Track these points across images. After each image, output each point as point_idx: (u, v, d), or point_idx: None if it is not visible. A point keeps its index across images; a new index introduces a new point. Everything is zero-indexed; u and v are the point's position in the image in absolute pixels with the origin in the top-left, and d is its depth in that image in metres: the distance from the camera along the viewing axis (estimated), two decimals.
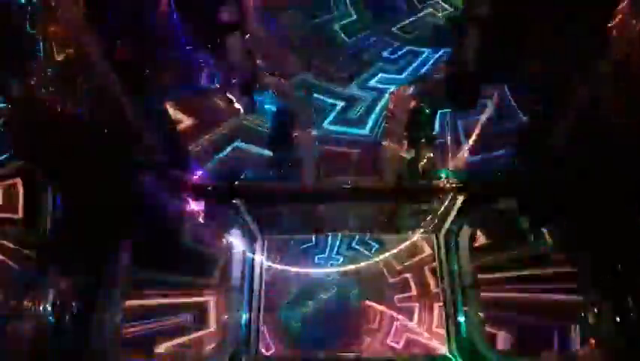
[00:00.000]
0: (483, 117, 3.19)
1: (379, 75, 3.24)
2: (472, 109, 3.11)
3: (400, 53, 3.22)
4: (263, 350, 3.27)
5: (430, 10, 2.96)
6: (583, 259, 3.30)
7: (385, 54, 3.24)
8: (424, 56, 3.13)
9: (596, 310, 3.16)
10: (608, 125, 2.92)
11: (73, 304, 3.16)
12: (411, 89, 3.00)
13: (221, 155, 3.38)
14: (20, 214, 2.88)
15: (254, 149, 3.35)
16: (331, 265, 3.80)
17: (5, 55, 2.63)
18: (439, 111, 3.23)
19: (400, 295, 3.60)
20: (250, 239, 3.65)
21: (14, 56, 2.65)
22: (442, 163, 3.47)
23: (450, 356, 3.19)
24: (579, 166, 3.27)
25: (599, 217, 3.29)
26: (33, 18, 2.51)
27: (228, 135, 3.29)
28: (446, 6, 2.88)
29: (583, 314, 3.16)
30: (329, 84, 3.21)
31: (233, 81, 2.98)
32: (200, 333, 3.27)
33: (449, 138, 3.35)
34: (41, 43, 2.60)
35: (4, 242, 2.80)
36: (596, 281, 3.22)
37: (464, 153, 3.42)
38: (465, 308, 3.30)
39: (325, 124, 3.30)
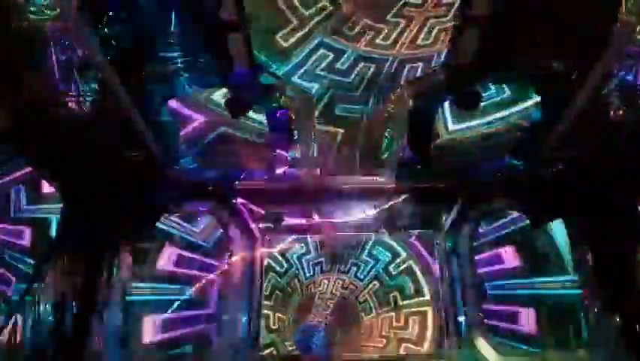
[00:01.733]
0: None
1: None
2: (474, 109, 3.10)
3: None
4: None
5: None
6: (583, 257, 3.30)
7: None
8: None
9: (596, 309, 3.16)
10: (607, 123, 2.92)
11: (74, 304, 3.16)
12: (411, 89, 2.99)
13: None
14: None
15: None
16: None
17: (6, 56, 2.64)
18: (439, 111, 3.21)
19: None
20: (250, 239, 3.65)
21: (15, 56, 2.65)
22: (442, 163, 3.47)
23: (450, 355, 3.18)
24: (578, 165, 3.27)
25: (600, 216, 3.29)
26: (33, 17, 2.51)
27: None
28: None
29: (583, 314, 3.16)
30: None
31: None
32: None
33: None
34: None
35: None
36: (597, 280, 3.21)
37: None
38: (465, 309, 3.28)
39: None
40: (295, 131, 3.25)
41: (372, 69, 2.98)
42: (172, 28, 2.68)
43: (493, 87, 3.09)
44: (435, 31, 2.78)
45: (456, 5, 2.61)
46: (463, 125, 3.34)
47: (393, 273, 3.67)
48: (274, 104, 3.12)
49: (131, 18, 2.62)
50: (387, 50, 2.89)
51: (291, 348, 3.27)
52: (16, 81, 2.73)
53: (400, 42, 2.84)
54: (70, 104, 2.97)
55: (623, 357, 3.05)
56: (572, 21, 2.60)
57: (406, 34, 2.82)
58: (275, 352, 3.24)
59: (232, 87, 3.01)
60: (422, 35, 2.85)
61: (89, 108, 3.03)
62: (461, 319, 3.29)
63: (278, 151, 3.39)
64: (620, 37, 2.53)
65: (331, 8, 2.67)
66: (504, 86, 3.11)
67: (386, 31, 2.79)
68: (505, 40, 2.69)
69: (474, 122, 3.30)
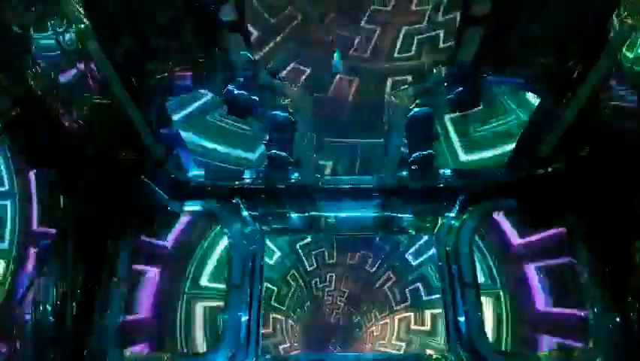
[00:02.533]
0: None
1: None
2: (473, 109, 3.11)
3: None
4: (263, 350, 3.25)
5: None
6: (583, 257, 3.31)
7: None
8: None
9: (595, 308, 3.16)
10: (608, 121, 2.93)
11: (74, 304, 3.16)
12: (411, 89, 2.99)
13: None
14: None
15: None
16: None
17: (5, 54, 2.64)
18: (439, 111, 3.22)
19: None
20: (250, 239, 3.64)
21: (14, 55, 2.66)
22: (442, 163, 3.47)
23: (450, 356, 3.18)
24: (578, 164, 3.28)
25: (600, 215, 3.29)
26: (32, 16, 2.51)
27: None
28: None
29: (583, 313, 3.16)
30: None
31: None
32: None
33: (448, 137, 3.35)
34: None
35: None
36: (596, 279, 3.22)
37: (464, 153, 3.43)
38: (465, 308, 3.28)
39: None
40: (295, 131, 3.25)
41: (353, 85, 2.86)
42: (172, 28, 2.69)
43: (513, 112, 3.02)
44: (415, 41, 2.63)
45: (428, 12, 2.52)
46: (476, 157, 3.28)
47: (413, 263, 3.50)
48: (274, 104, 3.13)
49: (130, 17, 2.62)
50: (365, 63, 2.76)
51: (291, 351, 3.23)
52: (15, 80, 2.73)
53: (378, 53, 2.68)
54: (69, 103, 2.98)
55: (623, 357, 3.05)
56: (572, 20, 2.60)
57: (383, 43, 2.65)
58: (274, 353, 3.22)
59: (232, 87, 3.02)
60: (400, 45, 2.67)
61: (88, 108, 3.04)
62: (461, 319, 3.28)
63: (278, 151, 3.39)
64: (621, 36, 2.53)
65: (300, 17, 2.49)
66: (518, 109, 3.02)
67: (362, 40, 2.63)
68: (505, 39, 2.70)
69: (488, 153, 3.25)
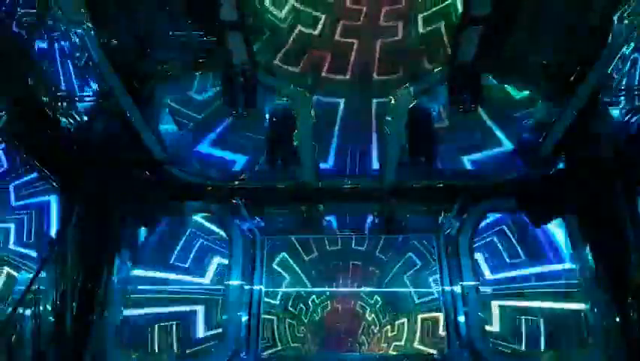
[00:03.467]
0: None
1: None
2: (474, 109, 3.11)
3: None
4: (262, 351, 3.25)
5: None
6: (583, 257, 3.30)
7: None
8: None
9: (596, 309, 3.16)
10: (607, 123, 2.93)
11: (74, 304, 3.16)
12: (411, 89, 2.99)
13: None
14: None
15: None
16: None
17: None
18: (439, 111, 3.23)
19: None
20: (250, 239, 3.65)
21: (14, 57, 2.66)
22: (442, 163, 3.47)
23: (450, 356, 3.18)
24: (578, 165, 3.28)
25: (600, 216, 3.29)
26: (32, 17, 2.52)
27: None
28: None
29: (583, 314, 3.16)
30: None
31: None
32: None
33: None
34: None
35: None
36: (597, 279, 3.21)
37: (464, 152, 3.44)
38: (465, 309, 3.28)
39: None
40: (295, 131, 3.25)
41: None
42: (172, 28, 2.69)
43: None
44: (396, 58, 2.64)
45: (401, 28, 2.50)
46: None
47: (413, 263, 3.47)
48: (274, 104, 3.13)
49: (130, 17, 2.62)
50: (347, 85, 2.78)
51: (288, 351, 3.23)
52: (16, 80, 2.74)
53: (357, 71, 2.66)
54: (69, 103, 2.98)
55: (623, 357, 3.05)
56: (572, 21, 2.61)
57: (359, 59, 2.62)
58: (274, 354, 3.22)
59: (232, 87, 3.02)
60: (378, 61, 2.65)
61: (88, 108, 3.04)
62: (461, 319, 3.28)
63: (278, 151, 3.39)
64: (620, 37, 2.53)
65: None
66: None
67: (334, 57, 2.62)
68: (506, 39, 2.70)
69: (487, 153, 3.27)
